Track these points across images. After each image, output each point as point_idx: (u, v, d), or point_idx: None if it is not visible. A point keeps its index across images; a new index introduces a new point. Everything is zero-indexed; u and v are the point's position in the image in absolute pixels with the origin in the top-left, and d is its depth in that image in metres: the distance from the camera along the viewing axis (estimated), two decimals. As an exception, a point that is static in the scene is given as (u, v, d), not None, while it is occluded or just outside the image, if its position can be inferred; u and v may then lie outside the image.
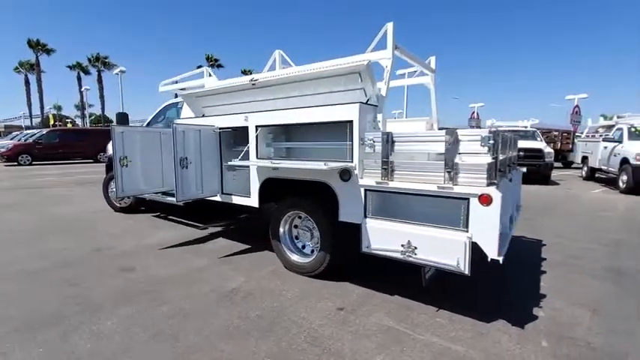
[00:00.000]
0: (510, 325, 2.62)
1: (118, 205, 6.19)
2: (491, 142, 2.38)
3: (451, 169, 2.49)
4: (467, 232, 2.46)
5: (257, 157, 3.65)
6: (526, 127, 14.78)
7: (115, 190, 5.86)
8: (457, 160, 2.49)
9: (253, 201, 3.79)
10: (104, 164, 6.81)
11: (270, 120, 3.53)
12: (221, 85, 4.21)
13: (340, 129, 3.11)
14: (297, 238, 3.71)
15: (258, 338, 2.40)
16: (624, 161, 9.19)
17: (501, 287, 3.29)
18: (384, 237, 2.85)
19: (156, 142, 4.47)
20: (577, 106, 19.91)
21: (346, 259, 3.45)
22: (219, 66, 42.13)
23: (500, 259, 2.38)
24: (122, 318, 2.64)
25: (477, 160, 2.45)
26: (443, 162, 2.52)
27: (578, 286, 3.33)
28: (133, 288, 3.17)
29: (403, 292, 3.09)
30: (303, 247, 3.67)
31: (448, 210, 2.55)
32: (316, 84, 3.42)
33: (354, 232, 3.00)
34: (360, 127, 2.93)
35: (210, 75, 4.92)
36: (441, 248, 2.56)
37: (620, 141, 9.90)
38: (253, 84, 3.78)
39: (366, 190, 2.94)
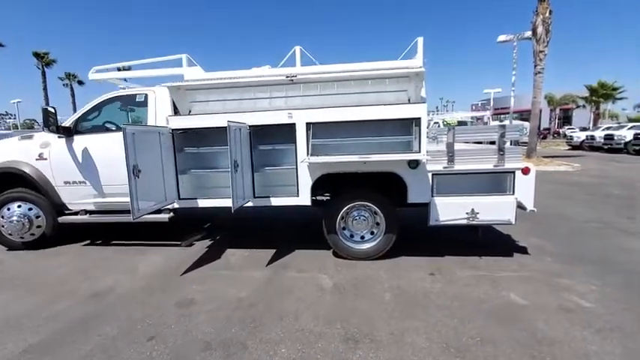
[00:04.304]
0: (522, 254, 3.90)
1: (20, 239, 4.28)
2: (527, 132, 3.50)
3: (503, 152, 3.48)
4: (513, 194, 3.53)
5: (308, 155, 3.61)
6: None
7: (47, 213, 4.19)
8: (506, 145, 3.50)
9: (303, 199, 3.72)
10: None
11: (324, 117, 3.57)
12: (240, 78, 3.76)
13: (398, 125, 3.58)
14: (344, 229, 3.92)
15: (424, 307, 2.72)
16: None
17: (486, 235, 4.59)
18: (451, 209, 3.59)
19: (155, 144, 3.51)
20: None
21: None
22: (-4, 44, 30.07)
23: (535, 209, 3.56)
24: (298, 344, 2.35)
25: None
26: (497, 147, 3.48)
27: (516, 227, 4.99)
28: (230, 316, 2.69)
29: (443, 253, 3.90)
30: (352, 235, 3.93)
31: (499, 181, 3.55)
32: (363, 84, 3.72)
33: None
34: (425, 123, 3.51)
35: (191, 65, 4.16)
36: (497, 209, 3.54)
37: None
38: (291, 80, 3.67)
39: (433, 175, 3.58)
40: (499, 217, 3.57)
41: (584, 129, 29.19)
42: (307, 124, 3.58)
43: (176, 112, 4.12)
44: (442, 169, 3.57)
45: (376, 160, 3.39)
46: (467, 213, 3.56)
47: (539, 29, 13.09)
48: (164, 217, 4.05)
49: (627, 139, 18.00)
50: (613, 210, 5.86)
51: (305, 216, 5.18)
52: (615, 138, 18.89)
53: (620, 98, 35.84)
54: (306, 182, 3.69)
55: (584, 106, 38.93)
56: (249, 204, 3.77)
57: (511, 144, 3.67)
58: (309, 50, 4.12)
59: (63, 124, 4.05)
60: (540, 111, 14.08)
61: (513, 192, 3.53)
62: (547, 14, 12.96)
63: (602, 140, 19.87)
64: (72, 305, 2.96)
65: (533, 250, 4.01)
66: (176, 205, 3.95)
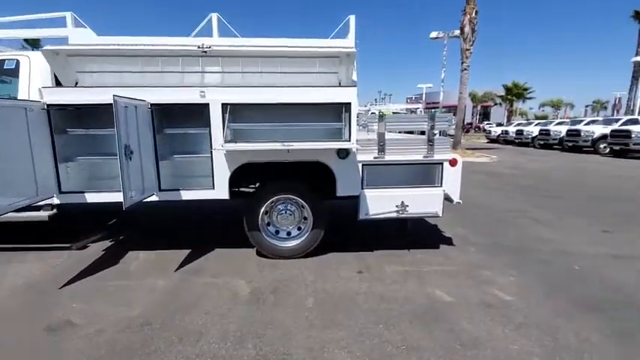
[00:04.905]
0: (448, 245, 3.92)
1: None
2: (454, 124, 3.43)
3: (432, 143, 3.36)
4: (441, 186, 3.46)
5: (225, 141, 3.11)
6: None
7: None
8: (435, 136, 3.39)
9: (220, 193, 3.22)
10: None
11: (243, 98, 3.09)
12: (142, 45, 3.08)
13: (327, 110, 3.26)
14: (269, 224, 3.54)
15: (348, 312, 2.46)
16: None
17: (415, 227, 4.56)
18: (381, 202, 3.40)
19: (19, 123, 2.69)
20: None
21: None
22: None
23: (461, 201, 3.53)
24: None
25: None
26: (427, 137, 3.35)
27: (442, 217, 5.10)
28: (113, 341, 2.15)
29: (372, 247, 3.74)
30: (277, 232, 3.56)
31: (428, 173, 3.45)
32: (289, 62, 3.33)
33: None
34: (356, 108, 3.23)
35: (78, 25, 3.32)
36: (426, 202, 3.45)
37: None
38: (204, 51, 3.11)
39: (363, 165, 3.34)
40: (427, 210, 3.48)
41: (499, 124, 32.46)
42: (223, 105, 3.06)
43: (59, 84, 3.31)
44: (373, 159, 3.35)
45: (301, 149, 3.02)
46: (397, 206, 3.41)
47: (467, 28, 13.87)
48: (43, 215, 3.26)
49: (534, 135, 20.35)
50: (525, 199, 6.35)
51: (231, 209, 4.68)
52: (524, 133, 21.24)
53: (530, 98, 40.63)
54: (222, 173, 3.19)
55: (500, 104, 43.37)
56: (153, 198, 3.17)
57: (440, 135, 3.59)
58: (229, 21, 3.57)
59: None
60: (465, 106, 15.10)
61: (441, 184, 3.46)
62: (473, 14, 13.76)
63: (514, 135, 22.22)
64: None
65: (458, 241, 4.06)
66: (57, 201, 3.17)
